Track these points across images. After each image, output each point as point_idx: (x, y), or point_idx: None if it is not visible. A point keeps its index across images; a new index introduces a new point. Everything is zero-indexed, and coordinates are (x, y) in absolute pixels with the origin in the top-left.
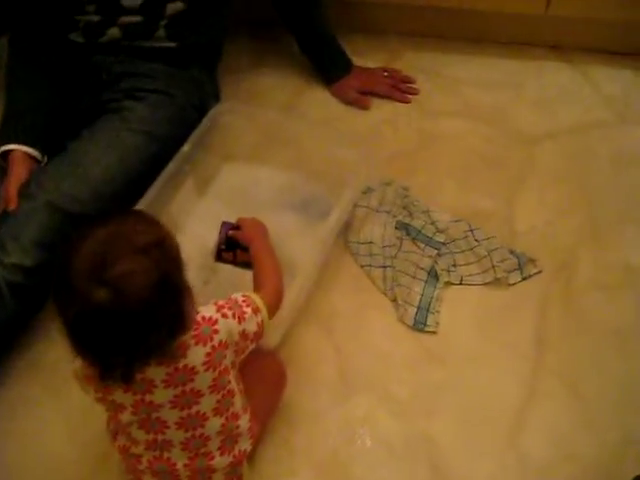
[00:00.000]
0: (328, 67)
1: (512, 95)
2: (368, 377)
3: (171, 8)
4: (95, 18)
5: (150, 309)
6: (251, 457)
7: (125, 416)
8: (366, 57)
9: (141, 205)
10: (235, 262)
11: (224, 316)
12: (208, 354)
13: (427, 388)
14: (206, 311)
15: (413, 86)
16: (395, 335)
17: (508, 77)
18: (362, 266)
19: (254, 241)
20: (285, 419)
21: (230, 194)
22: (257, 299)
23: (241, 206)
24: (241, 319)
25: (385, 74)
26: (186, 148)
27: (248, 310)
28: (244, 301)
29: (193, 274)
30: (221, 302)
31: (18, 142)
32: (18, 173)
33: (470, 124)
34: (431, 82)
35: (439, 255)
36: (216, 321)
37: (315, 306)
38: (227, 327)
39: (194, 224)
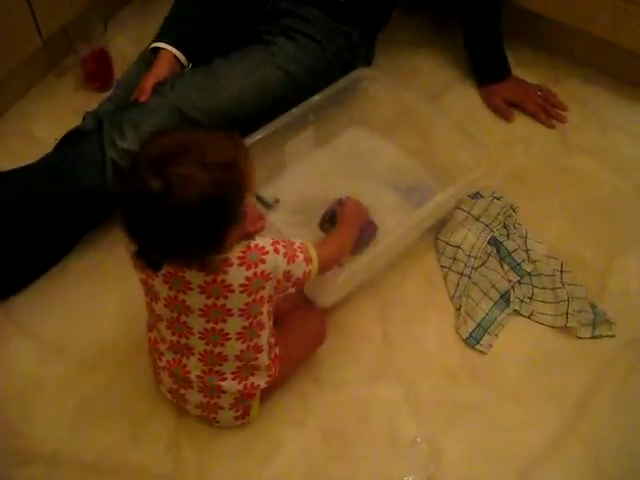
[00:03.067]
0: (486, 68)
1: None
2: (403, 370)
3: None
4: None
5: (189, 217)
6: (265, 398)
7: (158, 307)
8: (528, 71)
9: (256, 137)
10: None
11: (276, 251)
12: (248, 278)
13: (455, 403)
14: (261, 241)
15: (562, 114)
16: (446, 342)
17: None
18: (442, 266)
19: (344, 222)
20: (311, 375)
21: (344, 155)
22: (313, 251)
23: (350, 170)
24: (290, 261)
25: (539, 93)
26: (317, 98)
27: (300, 256)
28: (299, 247)
29: (283, 216)
30: (278, 240)
31: (171, 43)
32: (160, 71)
33: (605, 170)
34: (583, 116)
35: (519, 283)
36: (266, 252)
37: (382, 286)
38: (274, 261)
39: (300, 170)
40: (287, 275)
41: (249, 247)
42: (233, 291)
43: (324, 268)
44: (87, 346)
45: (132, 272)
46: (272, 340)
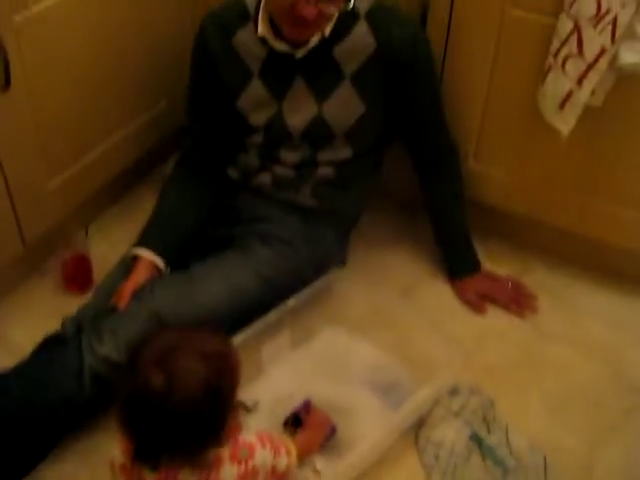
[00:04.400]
0: (456, 263)
1: (634, 340)
2: None
3: (321, 172)
4: (254, 162)
5: (192, 409)
6: None
7: None
8: (497, 263)
9: (234, 340)
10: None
11: (263, 446)
12: (240, 475)
13: None
14: (248, 436)
15: (533, 303)
16: None
17: (637, 320)
18: (424, 465)
19: (310, 430)
20: None
21: (321, 356)
22: (290, 444)
23: (327, 370)
24: (276, 454)
25: (509, 284)
26: (292, 302)
27: (282, 449)
28: (280, 440)
29: (263, 419)
30: (262, 433)
31: (152, 250)
32: (139, 277)
33: (580, 357)
34: (554, 304)
35: (504, 479)
36: (254, 448)
37: None
38: (262, 456)
39: (278, 373)
40: (274, 470)
41: (237, 442)
42: None
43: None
44: None
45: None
46: None
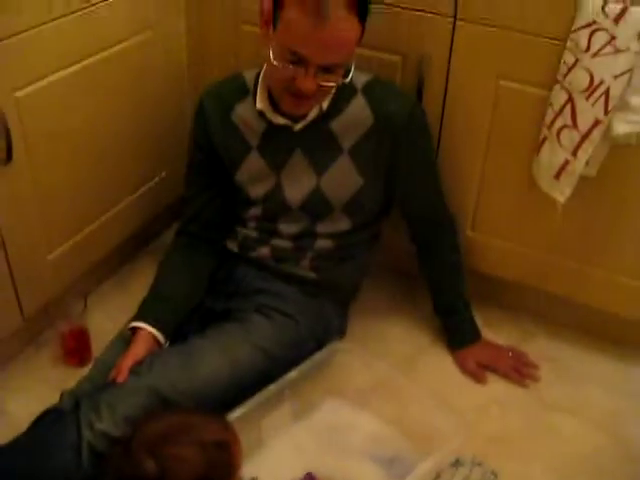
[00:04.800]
0: (456, 333)
1: (635, 408)
2: None
3: (320, 243)
4: (253, 234)
5: None
6: None
7: None
8: (497, 331)
9: (234, 414)
10: None
11: None
12: None
13: None
14: None
15: (534, 372)
16: None
17: (638, 388)
18: None
19: None
20: None
21: (322, 428)
22: None
23: (329, 443)
24: None
25: (510, 354)
26: (293, 375)
27: None
28: None
29: None
30: None
31: (151, 324)
32: (138, 350)
33: (584, 427)
34: (556, 373)
35: None
36: None
37: None
38: None
39: (278, 447)
40: None
41: None
42: None
43: None
44: None
45: None
46: None
